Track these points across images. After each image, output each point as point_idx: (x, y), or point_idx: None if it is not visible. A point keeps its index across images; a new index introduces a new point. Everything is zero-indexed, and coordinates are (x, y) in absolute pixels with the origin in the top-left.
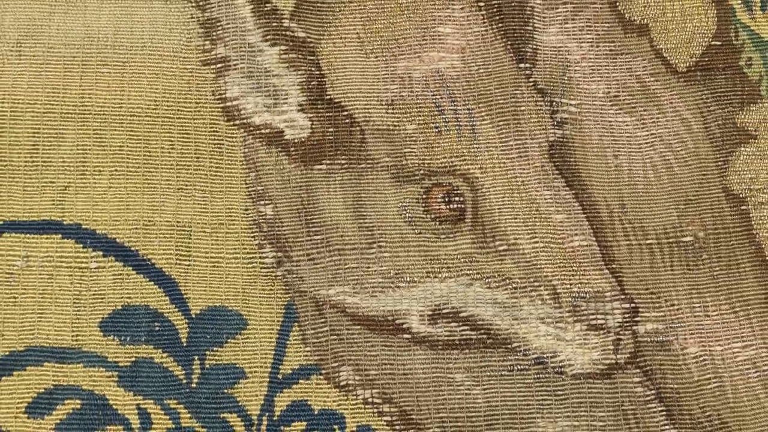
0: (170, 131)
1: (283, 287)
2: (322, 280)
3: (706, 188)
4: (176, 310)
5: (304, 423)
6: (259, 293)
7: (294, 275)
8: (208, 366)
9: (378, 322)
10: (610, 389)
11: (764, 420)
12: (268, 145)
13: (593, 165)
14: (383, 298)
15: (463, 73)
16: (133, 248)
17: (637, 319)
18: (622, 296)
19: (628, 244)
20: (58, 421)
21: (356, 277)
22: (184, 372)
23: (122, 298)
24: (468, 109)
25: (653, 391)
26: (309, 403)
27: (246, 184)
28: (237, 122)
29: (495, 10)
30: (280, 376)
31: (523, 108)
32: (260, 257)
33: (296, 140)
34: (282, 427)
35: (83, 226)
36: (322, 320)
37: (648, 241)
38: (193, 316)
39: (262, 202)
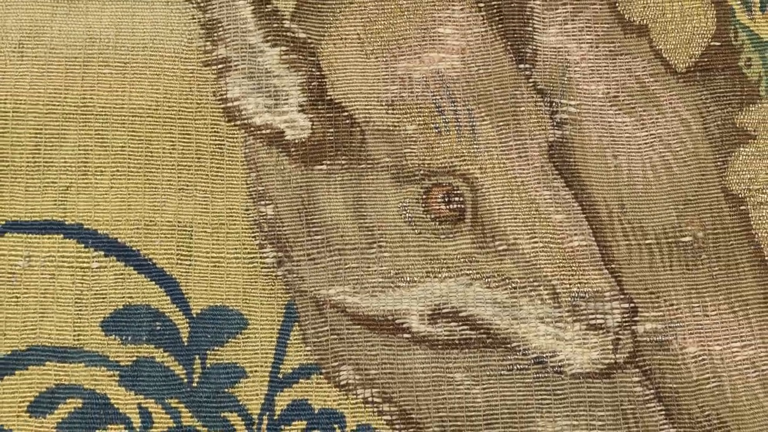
0: (171, 132)
1: (284, 287)
2: (323, 280)
3: (706, 188)
4: (177, 309)
5: (305, 422)
6: (259, 293)
7: (294, 275)
8: (208, 365)
9: (378, 321)
10: (609, 389)
11: (763, 419)
12: (268, 145)
13: (593, 165)
14: (383, 297)
15: (463, 73)
16: (134, 248)
17: (636, 318)
18: (622, 296)
19: (628, 244)
20: (60, 420)
21: (356, 277)
22: (185, 371)
23: (123, 297)
24: (468, 110)
25: (652, 391)
26: (309, 402)
27: (247, 184)
28: (238, 123)
29: (495, 10)
30: (280, 376)
31: (522, 108)
32: (261, 257)
33: (297, 141)
34: (282, 426)
35: (85, 226)
36: (323, 320)
37: (647, 241)
38: (194, 315)
39: (262, 202)
